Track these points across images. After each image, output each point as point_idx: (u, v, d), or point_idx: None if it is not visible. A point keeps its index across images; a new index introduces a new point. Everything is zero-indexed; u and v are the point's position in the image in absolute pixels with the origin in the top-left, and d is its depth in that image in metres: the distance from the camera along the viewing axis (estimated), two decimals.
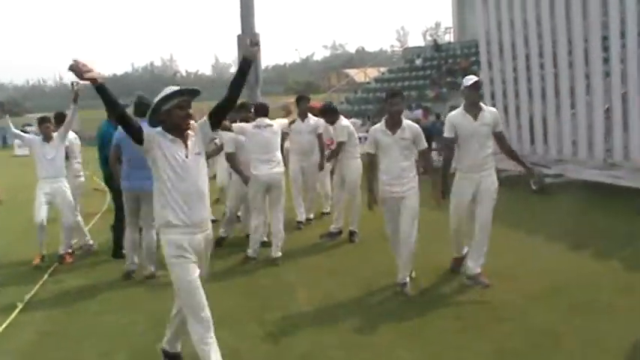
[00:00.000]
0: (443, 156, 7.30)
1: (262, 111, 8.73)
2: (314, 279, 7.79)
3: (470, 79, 6.93)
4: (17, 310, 6.86)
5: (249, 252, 8.66)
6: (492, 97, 16.30)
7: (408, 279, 6.93)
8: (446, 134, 7.04)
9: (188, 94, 4.70)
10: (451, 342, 5.55)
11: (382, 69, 38.65)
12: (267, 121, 8.61)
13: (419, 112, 22.32)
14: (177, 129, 4.63)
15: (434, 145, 17.20)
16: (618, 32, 12.31)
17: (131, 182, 7.90)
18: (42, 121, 9.17)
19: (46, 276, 8.24)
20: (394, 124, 6.88)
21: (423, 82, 30.34)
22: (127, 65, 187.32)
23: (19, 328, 6.44)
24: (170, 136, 4.62)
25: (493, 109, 7.33)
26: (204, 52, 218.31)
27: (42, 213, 8.86)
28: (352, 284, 7.38)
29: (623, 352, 5.21)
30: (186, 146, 4.65)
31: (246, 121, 8.79)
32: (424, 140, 6.98)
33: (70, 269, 8.68)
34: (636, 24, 11.81)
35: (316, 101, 11.71)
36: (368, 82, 36.31)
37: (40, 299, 7.38)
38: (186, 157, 4.63)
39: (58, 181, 9.04)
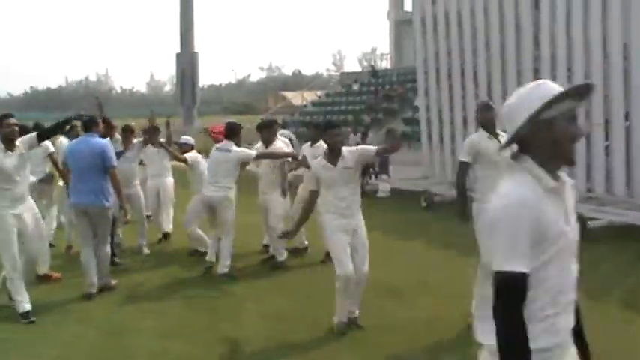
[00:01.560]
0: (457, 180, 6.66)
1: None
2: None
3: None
4: None
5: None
6: (428, 123, 16.79)
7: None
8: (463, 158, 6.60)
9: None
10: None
11: (319, 92, 39.13)
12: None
13: (358, 137, 22.70)
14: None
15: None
16: (549, 67, 12.92)
17: (80, 197, 7.82)
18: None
19: None
20: (335, 156, 6.46)
21: (359, 107, 30.85)
22: (61, 78, 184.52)
23: None
24: None
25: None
26: (140, 69, 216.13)
27: None
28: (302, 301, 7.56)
29: None
30: None
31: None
32: (369, 147, 6.92)
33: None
34: (565, 61, 12.46)
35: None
36: (305, 105, 36.69)
37: None
38: None
39: None
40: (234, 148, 8.71)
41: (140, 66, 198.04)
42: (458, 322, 6.30)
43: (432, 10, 16.17)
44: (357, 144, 17.81)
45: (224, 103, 76.58)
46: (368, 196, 16.43)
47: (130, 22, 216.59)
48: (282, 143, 9.68)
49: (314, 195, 6.55)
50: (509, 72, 13.91)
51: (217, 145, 8.90)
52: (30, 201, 7.19)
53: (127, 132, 9.90)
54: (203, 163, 9.81)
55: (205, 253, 9.25)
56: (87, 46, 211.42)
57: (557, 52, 12.66)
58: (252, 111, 58.91)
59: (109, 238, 8.26)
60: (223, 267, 8.65)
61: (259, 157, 9.07)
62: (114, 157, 8.05)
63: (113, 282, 8.19)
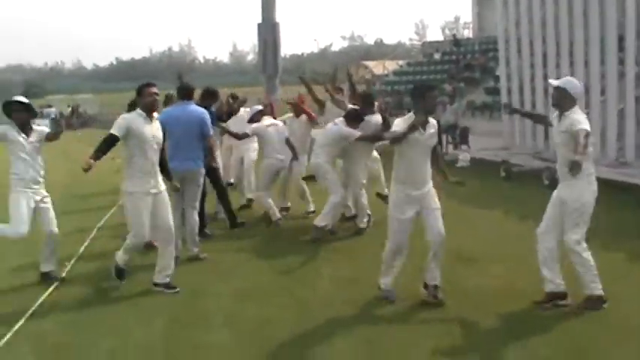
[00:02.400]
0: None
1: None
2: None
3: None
4: (23, 320, 6.30)
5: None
6: (509, 92, 16.64)
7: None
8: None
9: None
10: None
11: (400, 62, 38.92)
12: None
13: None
14: None
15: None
16: (634, 33, 12.60)
17: (177, 163, 7.90)
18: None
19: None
20: (425, 121, 6.26)
21: (440, 77, 30.58)
22: (145, 50, 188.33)
23: (24, 338, 5.94)
24: None
25: None
26: (222, 39, 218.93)
27: None
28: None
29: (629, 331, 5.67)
30: None
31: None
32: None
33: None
34: None
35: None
36: (386, 75, 36.56)
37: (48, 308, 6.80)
38: None
39: None
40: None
41: (222, 36, 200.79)
42: (528, 294, 6.38)
43: None
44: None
45: (306, 72, 76.74)
46: (448, 165, 16.53)
47: None
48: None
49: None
50: (591, 40, 13.62)
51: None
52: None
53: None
54: (270, 132, 10.10)
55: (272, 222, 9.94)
56: (169, 17, 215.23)
57: None
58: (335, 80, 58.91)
59: (197, 205, 8.40)
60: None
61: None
62: (211, 126, 8.33)
63: (202, 255, 8.32)
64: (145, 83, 6.92)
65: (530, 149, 15.35)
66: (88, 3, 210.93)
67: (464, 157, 16.72)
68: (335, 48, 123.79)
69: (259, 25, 46.87)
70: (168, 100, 10.65)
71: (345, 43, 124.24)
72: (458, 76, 29.06)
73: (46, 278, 7.43)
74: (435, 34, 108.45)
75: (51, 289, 7.19)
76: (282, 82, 46.62)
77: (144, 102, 6.80)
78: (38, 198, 7.22)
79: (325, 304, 6.61)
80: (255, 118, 10.55)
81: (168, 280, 7.06)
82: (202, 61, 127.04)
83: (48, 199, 7.39)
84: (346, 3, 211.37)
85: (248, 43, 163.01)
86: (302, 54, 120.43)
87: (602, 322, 5.86)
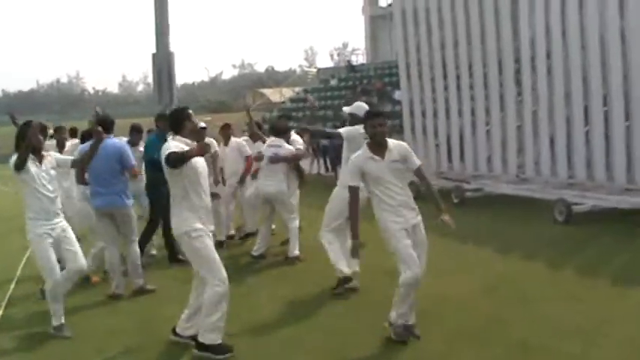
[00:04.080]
0: None
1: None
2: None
3: None
4: None
5: None
6: (411, 115, 17.09)
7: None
8: None
9: None
10: None
11: (297, 89, 39.34)
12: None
13: None
14: None
15: None
16: (529, 56, 13.24)
17: (100, 200, 7.88)
18: None
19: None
20: (381, 148, 5.96)
21: (338, 102, 31.07)
22: (32, 82, 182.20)
23: None
24: None
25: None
26: (111, 70, 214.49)
27: None
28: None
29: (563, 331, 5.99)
30: None
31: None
32: (414, 156, 6.13)
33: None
34: (544, 48, 12.78)
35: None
36: (283, 102, 36.86)
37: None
38: None
39: None
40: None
41: (111, 66, 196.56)
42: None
43: (412, 3, 16.42)
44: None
45: (200, 101, 76.26)
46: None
47: (98, 24, 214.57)
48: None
49: (356, 191, 5.98)
50: (490, 62, 14.24)
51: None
52: None
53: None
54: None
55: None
56: (57, 49, 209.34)
57: (536, 41, 12.97)
58: (227, 109, 59.04)
59: (136, 237, 8.25)
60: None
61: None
62: (132, 157, 8.13)
63: (149, 286, 8.20)
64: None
65: (435, 169, 15.79)
66: None
67: None
68: (225, 76, 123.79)
69: (154, 55, 46.43)
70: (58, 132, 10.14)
71: (236, 72, 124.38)
72: (355, 102, 29.56)
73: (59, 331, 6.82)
74: (324, 61, 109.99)
75: None
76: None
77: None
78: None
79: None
80: None
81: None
82: (92, 92, 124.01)
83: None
84: (235, 32, 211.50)
85: (137, 74, 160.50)
86: (193, 83, 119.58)
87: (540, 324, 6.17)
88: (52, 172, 6.62)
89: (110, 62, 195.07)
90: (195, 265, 5.94)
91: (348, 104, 28.02)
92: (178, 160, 5.57)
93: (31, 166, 6.39)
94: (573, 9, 12.07)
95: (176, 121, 6.03)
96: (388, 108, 27.29)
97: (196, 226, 5.80)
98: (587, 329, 6.11)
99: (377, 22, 38.82)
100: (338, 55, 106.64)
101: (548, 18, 12.61)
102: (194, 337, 5.95)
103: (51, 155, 6.83)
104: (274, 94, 43.01)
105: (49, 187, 6.52)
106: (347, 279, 7.56)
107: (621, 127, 11.31)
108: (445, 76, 15.72)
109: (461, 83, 15.19)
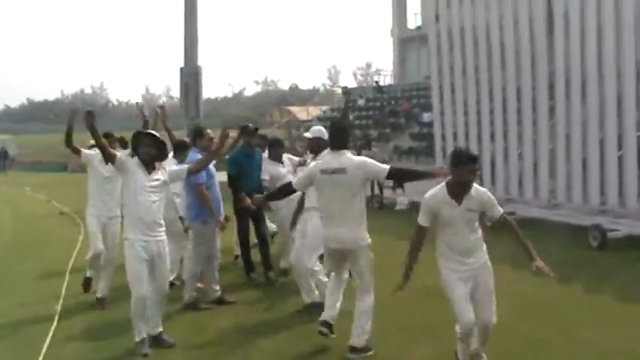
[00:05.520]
0: None
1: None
2: None
3: None
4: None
5: None
6: (443, 139, 17.21)
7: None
8: None
9: None
10: None
11: (324, 107, 39.57)
12: None
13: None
14: None
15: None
16: (563, 80, 13.35)
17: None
18: None
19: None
20: (462, 193, 5.46)
21: (365, 122, 31.28)
22: (57, 92, 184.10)
23: None
24: None
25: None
26: (135, 82, 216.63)
27: None
28: None
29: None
30: None
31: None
32: (497, 206, 5.58)
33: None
34: (579, 75, 12.90)
35: None
36: (310, 120, 37.06)
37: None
38: None
39: None
40: None
41: (135, 79, 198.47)
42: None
43: (447, 25, 16.60)
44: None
45: (224, 116, 76.65)
46: (387, 208, 16.96)
47: (122, 35, 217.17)
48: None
49: (423, 232, 5.64)
50: (524, 87, 14.37)
51: None
52: None
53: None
54: None
55: None
56: (81, 60, 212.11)
57: (571, 68, 13.10)
58: (254, 124, 59.31)
59: None
60: None
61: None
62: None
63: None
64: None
65: None
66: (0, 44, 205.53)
67: (401, 200, 17.15)
68: (248, 93, 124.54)
69: (181, 68, 46.73)
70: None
71: (259, 88, 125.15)
72: (383, 122, 29.81)
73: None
74: (347, 80, 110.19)
75: None
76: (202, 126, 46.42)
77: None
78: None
79: None
80: None
81: None
82: (116, 103, 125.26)
83: None
84: (258, 48, 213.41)
85: (160, 86, 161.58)
86: (216, 98, 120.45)
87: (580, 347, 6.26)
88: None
89: (133, 74, 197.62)
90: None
91: (377, 124, 28.22)
92: None
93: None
94: (609, 36, 12.19)
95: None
96: (415, 130, 27.49)
97: None
98: (628, 353, 6.21)
99: (405, 43, 39.06)
100: (361, 75, 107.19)
101: (583, 44, 12.75)
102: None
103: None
104: (301, 113, 43.23)
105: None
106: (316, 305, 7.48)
107: None
108: (478, 100, 15.85)
109: (494, 107, 15.31)
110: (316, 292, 7.72)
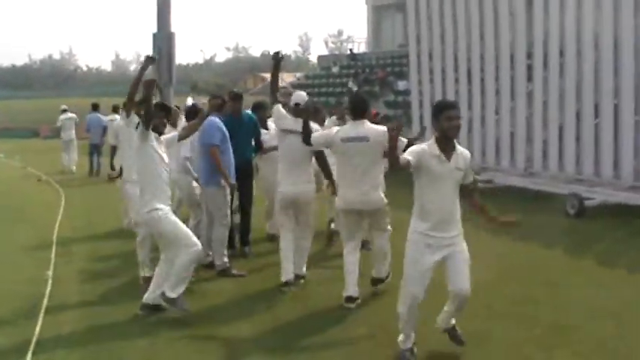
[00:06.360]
0: None
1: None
2: None
3: None
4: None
5: None
6: (421, 105, 17.34)
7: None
8: None
9: None
10: None
11: (298, 74, 39.48)
12: None
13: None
14: None
15: None
16: (541, 49, 13.52)
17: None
18: None
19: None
20: (449, 147, 5.31)
21: (340, 90, 31.26)
22: (24, 57, 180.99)
23: None
24: None
25: None
26: (104, 48, 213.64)
27: None
28: None
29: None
30: None
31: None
32: (472, 171, 5.56)
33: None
34: (557, 45, 13.09)
35: None
36: (284, 87, 36.87)
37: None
38: None
39: None
40: None
41: (105, 44, 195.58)
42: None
43: None
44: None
45: (198, 83, 76.00)
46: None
47: (91, 1, 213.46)
48: None
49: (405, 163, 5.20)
50: (502, 48, 14.56)
51: None
52: None
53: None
54: None
55: None
56: (49, 24, 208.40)
57: (549, 36, 13.27)
58: (226, 91, 58.99)
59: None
60: None
61: None
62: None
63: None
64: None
65: None
66: None
67: None
68: (219, 59, 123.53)
69: (154, 34, 45.97)
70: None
71: (230, 55, 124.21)
72: (359, 89, 29.82)
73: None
74: (318, 47, 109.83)
75: None
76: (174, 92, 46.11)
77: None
78: None
79: None
80: None
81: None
82: (85, 69, 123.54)
83: None
84: (229, 14, 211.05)
85: (130, 52, 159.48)
86: (187, 64, 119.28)
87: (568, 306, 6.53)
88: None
89: (103, 40, 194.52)
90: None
91: (350, 92, 28.07)
92: None
93: None
94: (588, 4, 12.34)
95: None
96: (390, 98, 27.59)
97: None
98: (615, 311, 6.50)
99: (379, 11, 38.93)
100: (333, 42, 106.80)
101: (562, 12, 12.88)
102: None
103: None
104: None
105: None
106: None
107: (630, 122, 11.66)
108: (456, 69, 15.98)
109: (472, 76, 15.46)
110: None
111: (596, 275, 7.96)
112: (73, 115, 21.08)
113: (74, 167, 20.06)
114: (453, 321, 5.59)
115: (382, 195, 6.86)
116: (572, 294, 7.12)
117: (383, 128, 6.54)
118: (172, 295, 6.40)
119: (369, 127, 6.67)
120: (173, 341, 5.98)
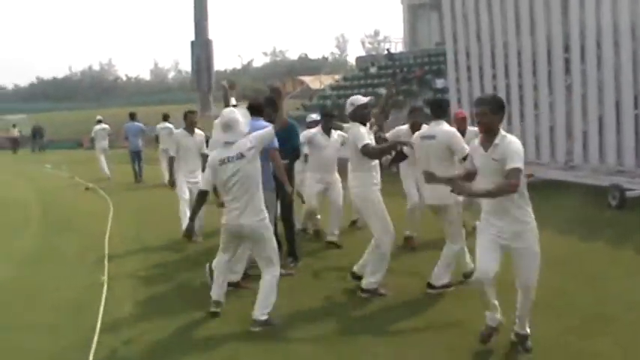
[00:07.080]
0: None
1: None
2: None
3: None
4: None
5: None
6: (459, 102, 17.42)
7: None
8: None
9: None
10: None
11: (337, 76, 39.62)
12: None
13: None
14: None
15: None
16: (578, 42, 13.54)
17: None
18: None
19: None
20: (487, 140, 5.40)
21: (378, 90, 31.34)
22: (65, 69, 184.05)
23: None
24: None
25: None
26: (143, 57, 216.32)
27: None
28: None
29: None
30: None
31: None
32: (515, 161, 5.17)
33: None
34: (594, 36, 13.07)
35: None
36: (323, 89, 37.17)
37: None
38: None
39: None
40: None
41: (143, 54, 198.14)
42: None
43: None
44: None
45: (235, 83, 76.35)
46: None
47: (128, 11, 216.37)
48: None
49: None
50: (539, 46, 14.57)
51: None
52: None
53: None
54: None
55: None
56: (88, 36, 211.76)
57: (586, 28, 13.27)
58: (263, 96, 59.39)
59: None
60: None
61: None
62: None
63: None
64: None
65: None
66: (7, 23, 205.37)
67: None
68: (257, 64, 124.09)
69: (192, 42, 47.25)
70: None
71: (267, 59, 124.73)
72: (396, 89, 29.88)
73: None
74: (355, 48, 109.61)
75: None
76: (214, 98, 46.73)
77: None
78: None
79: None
80: None
81: None
82: (125, 79, 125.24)
83: None
84: (264, 19, 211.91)
85: (169, 60, 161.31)
86: (225, 70, 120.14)
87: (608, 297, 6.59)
88: None
89: (141, 49, 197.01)
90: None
91: (380, 96, 28.14)
92: None
93: None
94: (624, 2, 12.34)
95: None
96: (429, 96, 27.61)
97: None
98: None
99: (415, 10, 38.95)
100: (370, 43, 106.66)
101: (598, 4, 12.89)
102: None
103: None
104: (314, 82, 43.40)
105: None
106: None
107: None
108: (493, 65, 16.03)
109: (509, 72, 15.50)
110: None
111: (636, 266, 7.99)
112: (106, 126, 21.56)
113: (108, 172, 20.42)
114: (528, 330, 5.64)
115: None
116: (611, 285, 7.18)
117: (451, 129, 7.27)
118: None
119: (440, 128, 7.21)
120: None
